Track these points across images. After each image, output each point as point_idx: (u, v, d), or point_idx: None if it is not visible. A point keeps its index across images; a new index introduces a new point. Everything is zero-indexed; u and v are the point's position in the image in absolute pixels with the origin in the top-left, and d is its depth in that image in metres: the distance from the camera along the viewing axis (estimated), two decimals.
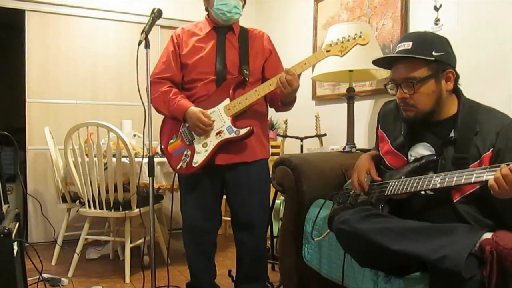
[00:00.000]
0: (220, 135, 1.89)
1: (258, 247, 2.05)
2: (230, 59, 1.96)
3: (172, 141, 1.97)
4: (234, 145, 1.91)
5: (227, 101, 1.90)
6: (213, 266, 2.13)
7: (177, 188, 2.16)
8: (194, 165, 1.90)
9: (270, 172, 2.16)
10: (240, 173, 1.96)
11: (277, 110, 2.12)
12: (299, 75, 1.83)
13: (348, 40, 1.80)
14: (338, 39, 1.81)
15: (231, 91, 1.90)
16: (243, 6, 2.01)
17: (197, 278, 2.10)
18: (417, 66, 1.38)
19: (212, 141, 1.90)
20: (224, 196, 2.09)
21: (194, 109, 1.88)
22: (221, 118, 1.90)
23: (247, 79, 1.95)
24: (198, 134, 1.91)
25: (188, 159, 1.91)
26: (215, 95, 1.92)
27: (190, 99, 1.95)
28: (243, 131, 1.88)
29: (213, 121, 1.89)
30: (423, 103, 1.40)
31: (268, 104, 2.11)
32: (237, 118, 1.90)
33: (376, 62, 1.54)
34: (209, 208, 2.02)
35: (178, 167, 1.93)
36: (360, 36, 1.78)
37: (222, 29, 1.99)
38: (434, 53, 1.38)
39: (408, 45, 1.40)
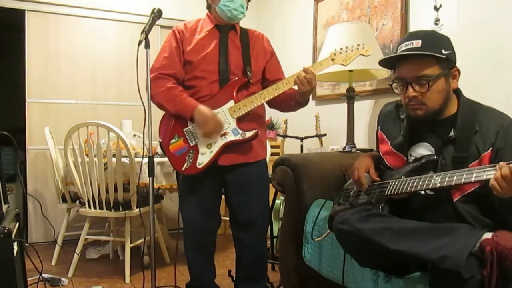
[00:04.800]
0: (225, 137, 1.88)
1: (257, 247, 2.04)
2: (233, 59, 1.95)
3: (174, 140, 1.94)
4: (238, 146, 1.91)
5: (231, 103, 1.90)
6: (212, 266, 2.13)
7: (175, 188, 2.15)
8: (199, 166, 1.89)
9: (270, 172, 2.16)
10: (241, 174, 1.96)
11: (286, 110, 2.12)
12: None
13: (352, 50, 1.86)
14: (342, 48, 1.88)
15: (235, 93, 1.90)
16: (246, 8, 2.00)
17: (197, 279, 2.09)
18: (429, 63, 1.37)
19: (217, 143, 1.89)
20: (223, 196, 2.09)
21: (205, 108, 1.85)
22: (226, 119, 1.89)
23: (251, 81, 1.95)
24: (206, 135, 1.88)
25: (191, 160, 1.89)
26: (218, 96, 1.92)
27: (193, 98, 1.92)
28: (249, 134, 1.88)
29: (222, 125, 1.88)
30: (434, 101, 1.39)
31: (270, 106, 2.11)
32: (240, 120, 1.91)
33: (380, 62, 1.52)
34: (209, 209, 2.02)
35: (183, 168, 1.90)
36: (364, 48, 1.86)
37: (224, 27, 1.98)
38: (443, 51, 1.38)
39: (417, 43, 1.39)
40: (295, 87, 1.90)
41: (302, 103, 1.99)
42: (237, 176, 1.97)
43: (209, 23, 1.99)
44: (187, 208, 2.03)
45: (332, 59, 1.87)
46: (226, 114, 1.89)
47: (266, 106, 2.13)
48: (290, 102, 1.99)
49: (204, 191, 1.99)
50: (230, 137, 1.88)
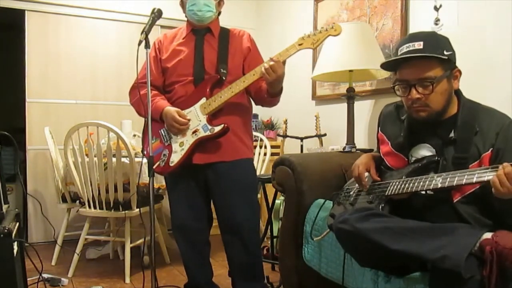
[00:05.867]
0: (196, 134, 1.90)
1: (246, 249, 2.00)
2: (209, 59, 1.97)
3: (152, 141, 1.98)
4: (212, 144, 1.91)
5: (203, 100, 1.91)
6: (208, 266, 2.13)
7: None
8: (171, 164, 1.92)
9: (270, 172, 2.15)
10: (220, 173, 1.95)
11: (264, 105, 2.09)
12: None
13: (320, 32, 1.81)
14: (310, 32, 1.83)
15: (208, 90, 1.91)
16: (219, 4, 2.02)
17: (194, 278, 2.09)
18: (432, 65, 1.37)
19: (188, 140, 1.91)
20: None
21: (170, 108, 1.91)
22: (197, 117, 1.91)
23: (224, 78, 1.95)
24: (174, 134, 1.93)
25: (166, 159, 1.93)
26: (192, 95, 1.94)
27: (170, 101, 1.98)
28: (217, 129, 1.88)
29: (189, 120, 1.90)
30: (437, 102, 1.39)
31: (255, 103, 2.10)
32: (214, 117, 1.91)
33: (382, 65, 1.51)
34: (196, 208, 2.02)
35: (155, 166, 1.93)
36: (332, 27, 1.79)
37: (200, 31, 2.01)
38: (445, 52, 1.38)
39: (419, 44, 1.39)
40: None
41: (274, 94, 1.95)
42: (217, 176, 1.96)
43: (185, 29, 2.05)
44: (173, 207, 2.07)
45: (300, 44, 1.83)
46: (198, 111, 1.91)
47: (253, 104, 2.12)
48: (264, 95, 1.98)
49: (187, 191, 2.00)
50: (200, 134, 1.90)
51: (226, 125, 1.87)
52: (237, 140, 1.97)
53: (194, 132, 1.90)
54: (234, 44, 2.02)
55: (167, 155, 1.94)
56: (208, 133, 1.88)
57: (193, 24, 2.02)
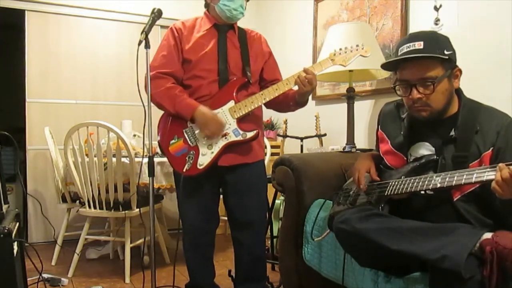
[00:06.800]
0: (226, 138, 1.88)
1: (256, 247, 2.04)
2: (232, 59, 1.95)
3: (173, 141, 1.92)
4: (238, 147, 1.91)
5: (232, 103, 1.89)
6: (212, 266, 2.13)
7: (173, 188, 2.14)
8: (200, 167, 1.87)
9: (270, 172, 2.16)
10: (240, 174, 1.96)
11: (283, 111, 2.13)
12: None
13: (351, 51, 1.88)
14: (341, 49, 1.89)
15: (235, 93, 1.90)
16: (245, 8, 2.01)
17: (196, 279, 2.09)
18: (432, 65, 1.37)
19: (218, 143, 1.88)
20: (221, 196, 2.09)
21: (206, 109, 1.85)
22: (226, 120, 1.89)
23: (251, 81, 1.95)
24: (208, 137, 1.87)
25: (192, 161, 1.88)
26: (218, 96, 1.91)
27: (191, 97, 1.92)
28: (250, 135, 1.88)
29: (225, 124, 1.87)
30: (438, 102, 1.39)
31: (267, 106, 2.10)
32: (240, 121, 1.90)
33: (383, 65, 1.52)
34: (208, 209, 2.01)
35: (184, 170, 1.88)
36: (363, 49, 1.88)
37: (223, 27, 1.97)
38: (445, 52, 1.38)
39: (419, 44, 1.39)
40: (295, 88, 1.90)
41: (301, 103, 1.99)
42: (236, 176, 1.96)
43: (207, 22, 1.98)
44: (187, 208, 2.02)
45: (332, 60, 1.89)
46: (227, 114, 1.89)
47: (263, 106, 2.13)
48: (289, 102, 2.00)
49: (203, 192, 1.98)
50: (231, 138, 1.88)
51: (258, 131, 1.89)
52: (257, 142, 1.98)
53: (224, 135, 1.88)
54: (255, 47, 2.03)
55: (193, 157, 1.88)
56: (240, 138, 1.88)
57: (218, 19, 1.96)
